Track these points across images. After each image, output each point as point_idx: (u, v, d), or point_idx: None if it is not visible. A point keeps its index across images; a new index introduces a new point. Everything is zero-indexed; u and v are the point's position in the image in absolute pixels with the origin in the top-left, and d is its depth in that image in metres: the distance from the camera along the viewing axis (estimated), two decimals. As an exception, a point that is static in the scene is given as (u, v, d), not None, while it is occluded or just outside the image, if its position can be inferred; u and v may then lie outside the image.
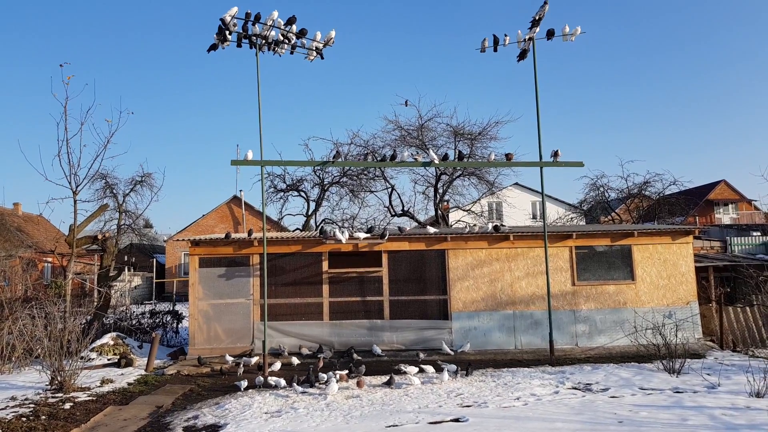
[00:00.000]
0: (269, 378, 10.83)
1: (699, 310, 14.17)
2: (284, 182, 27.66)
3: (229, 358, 12.97)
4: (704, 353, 12.76)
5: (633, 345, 12.86)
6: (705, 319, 14.41)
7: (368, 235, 14.32)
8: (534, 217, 38.99)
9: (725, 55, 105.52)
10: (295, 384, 10.31)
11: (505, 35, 13.22)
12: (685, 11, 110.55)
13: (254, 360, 12.49)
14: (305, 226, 26.98)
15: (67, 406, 9.46)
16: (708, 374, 10.35)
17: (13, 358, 12.71)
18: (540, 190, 13.59)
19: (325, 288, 14.24)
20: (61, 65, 14.51)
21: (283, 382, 10.48)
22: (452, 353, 13.33)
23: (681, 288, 14.22)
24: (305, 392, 9.99)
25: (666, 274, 14.28)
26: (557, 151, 12.80)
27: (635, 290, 14.20)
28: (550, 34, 13.11)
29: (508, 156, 13.82)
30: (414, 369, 11.05)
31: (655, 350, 11.41)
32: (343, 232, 14.34)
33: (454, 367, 11.24)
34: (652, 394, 9.18)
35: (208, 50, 12.54)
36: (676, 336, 11.29)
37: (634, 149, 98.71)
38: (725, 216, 47.28)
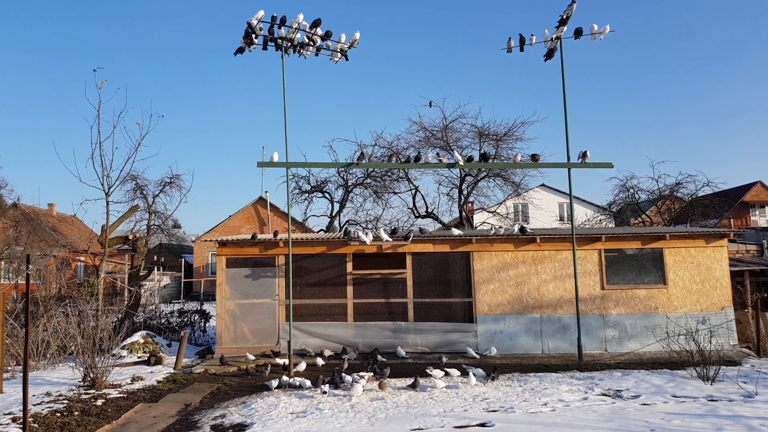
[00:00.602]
0: (294, 378, 10.88)
1: (734, 316, 13.80)
2: (309, 183, 27.86)
3: (251, 357, 13.06)
4: (740, 360, 12.42)
5: (665, 351, 12.58)
6: (741, 326, 14.02)
7: (389, 238, 14.25)
8: (561, 219, 38.49)
9: (759, 60, 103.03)
10: (320, 385, 10.34)
11: (532, 35, 13.09)
12: (719, 23, 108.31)
13: (285, 360, 12.56)
14: (329, 228, 27.11)
15: (99, 402, 9.63)
16: (744, 382, 10.05)
17: (48, 355, 13.00)
18: (568, 192, 13.41)
19: (350, 289, 14.26)
20: (94, 70, 14.94)
21: (308, 382, 10.52)
22: (477, 357, 13.23)
23: (715, 293, 13.89)
24: (330, 393, 10.00)
25: (699, 278, 13.96)
26: (586, 152, 12.62)
27: (667, 295, 13.91)
28: (578, 33, 12.91)
29: (534, 157, 13.67)
30: (440, 372, 10.99)
31: (688, 357, 11.10)
32: (367, 233, 14.34)
33: (480, 371, 11.14)
34: (685, 402, 8.96)
35: (235, 53, 12.69)
36: (711, 342, 11.00)
37: (666, 150, 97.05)
38: (761, 218, 46.01)
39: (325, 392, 10.03)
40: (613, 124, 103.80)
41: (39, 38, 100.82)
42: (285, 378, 10.94)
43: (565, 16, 12.70)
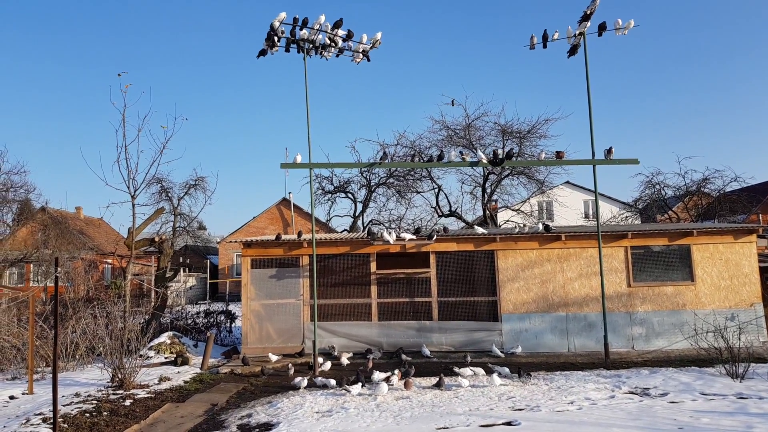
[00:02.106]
0: (320, 378, 10.93)
1: (764, 313, 13.53)
2: (332, 184, 27.97)
3: (273, 357, 13.14)
4: (770, 358, 12.19)
5: (693, 348, 12.40)
6: (770, 322, 13.76)
7: (414, 236, 14.27)
8: (586, 216, 38.08)
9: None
10: (345, 384, 10.38)
11: (555, 31, 13.00)
12: (744, 14, 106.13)
13: (310, 360, 12.62)
14: (352, 227, 27.17)
15: (128, 402, 9.77)
16: (774, 380, 9.88)
17: (77, 356, 13.22)
18: (593, 189, 13.27)
19: (374, 289, 14.29)
20: (119, 74, 15.08)
21: (333, 382, 10.56)
22: (503, 355, 13.17)
23: (744, 289, 13.63)
24: (355, 392, 10.01)
25: (728, 274, 13.71)
26: (611, 148, 12.47)
27: (695, 291, 13.69)
28: (602, 28, 12.76)
29: (559, 154, 13.54)
30: (468, 371, 10.97)
31: (716, 354, 10.92)
32: (390, 233, 14.35)
33: (506, 369, 11.07)
34: (714, 400, 8.82)
35: (258, 56, 12.78)
36: (739, 339, 10.81)
37: (693, 144, 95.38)
38: (791, 214, 44.89)
39: (350, 391, 10.06)
40: (638, 119, 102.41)
41: (64, 49, 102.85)
42: (309, 378, 11.01)
43: (588, 12, 12.58)
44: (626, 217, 31.34)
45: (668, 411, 8.22)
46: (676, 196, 29.34)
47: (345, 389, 10.09)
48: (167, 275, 18.87)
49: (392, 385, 10.24)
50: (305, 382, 10.74)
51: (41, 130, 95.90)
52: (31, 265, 30.02)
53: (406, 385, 10.12)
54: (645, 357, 12.89)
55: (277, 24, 12.28)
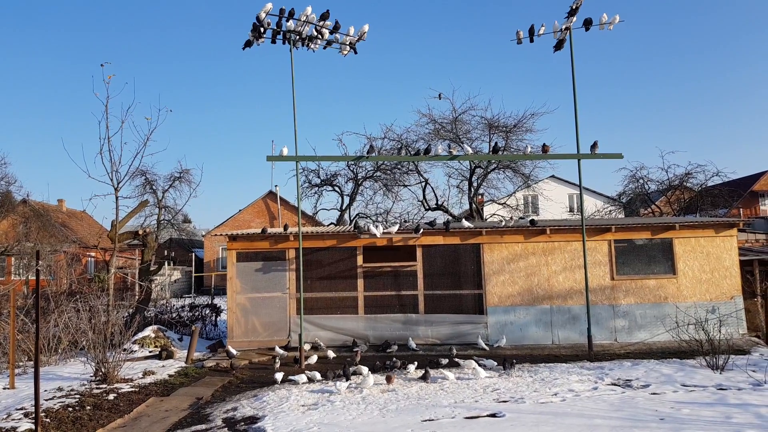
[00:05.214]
0: (306, 371, 10.93)
1: (743, 305, 13.76)
2: (318, 177, 27.86)
3: (234, 351, 13.04)
4: (749, 349, 12.39)
5: (674, 340, 12.57)
6: (750, 315, 13.98)
7: (400, 230, 14.29)
8: (571, 210, 38.35)
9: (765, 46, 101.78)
10: (331, 378, 10.39)
11: (542, 25, 13.06)
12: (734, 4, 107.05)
13: (296, 354, 12.62)
14: (339, 221, 27.13)
15: (111, 396, 9.72)
16: (753, 371, 10.04)
17: (59, 350, 13.11)
18: (577, 183, 13.37)
19: (360, 282, 14.30)
20: (102, 65, 14.99)
21: (319, 375, 10.58)
22: (488, 348, 13.26)
23: (725, 282, 13.83)
24: (341, 385, 10.03)
25: (709, 268, 13.90)
26: (596, 142, 12.58)
27: (677, 285, 13.86)
28: (588, 23, 12.85)
29: (544, 148, 13.63)
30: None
31: (697, 346, 11.08)
32: (377, 226, 14.36)
33: (492, 361, 11.16)
34: (694, 391, 8.96)
35: (244, 47, 12.70)
36: (720, 331, 10.96)
37: (676, 137, 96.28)
38: (771, 208, 45.55)
39: (338, 388, 10.05)
40: (623, 109, 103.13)
41: (46, 41, 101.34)
42: (295, 371, 11.01)
43: (574, 7, 12.64)
44: (610, 211, 31.60)
45: (650, 402, 8.34)
46: (659, 191, 29.65)
47: (334, 383, 10.09)
48: (151, 268, 18.74)
49: (378, 378, 10.26)
50: (291, 376, 10.75)
51: (22, 121, 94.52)
52: (13, 258, 29.65)
53: (388, 380, 10.11)
54: (627, 349, 13.05)
55: (263, 15, 12.21)
